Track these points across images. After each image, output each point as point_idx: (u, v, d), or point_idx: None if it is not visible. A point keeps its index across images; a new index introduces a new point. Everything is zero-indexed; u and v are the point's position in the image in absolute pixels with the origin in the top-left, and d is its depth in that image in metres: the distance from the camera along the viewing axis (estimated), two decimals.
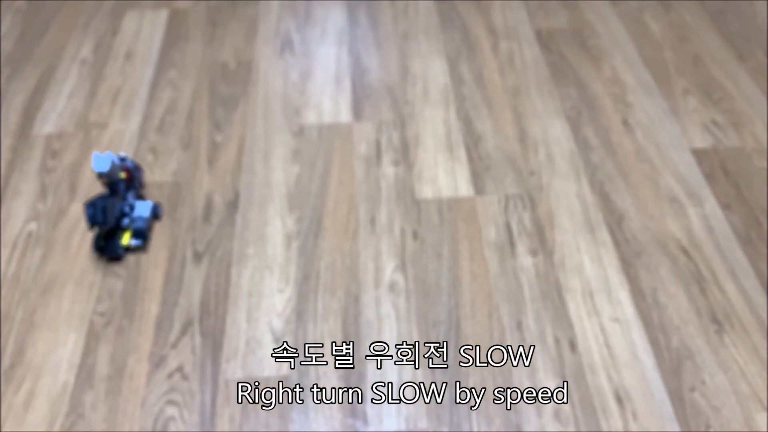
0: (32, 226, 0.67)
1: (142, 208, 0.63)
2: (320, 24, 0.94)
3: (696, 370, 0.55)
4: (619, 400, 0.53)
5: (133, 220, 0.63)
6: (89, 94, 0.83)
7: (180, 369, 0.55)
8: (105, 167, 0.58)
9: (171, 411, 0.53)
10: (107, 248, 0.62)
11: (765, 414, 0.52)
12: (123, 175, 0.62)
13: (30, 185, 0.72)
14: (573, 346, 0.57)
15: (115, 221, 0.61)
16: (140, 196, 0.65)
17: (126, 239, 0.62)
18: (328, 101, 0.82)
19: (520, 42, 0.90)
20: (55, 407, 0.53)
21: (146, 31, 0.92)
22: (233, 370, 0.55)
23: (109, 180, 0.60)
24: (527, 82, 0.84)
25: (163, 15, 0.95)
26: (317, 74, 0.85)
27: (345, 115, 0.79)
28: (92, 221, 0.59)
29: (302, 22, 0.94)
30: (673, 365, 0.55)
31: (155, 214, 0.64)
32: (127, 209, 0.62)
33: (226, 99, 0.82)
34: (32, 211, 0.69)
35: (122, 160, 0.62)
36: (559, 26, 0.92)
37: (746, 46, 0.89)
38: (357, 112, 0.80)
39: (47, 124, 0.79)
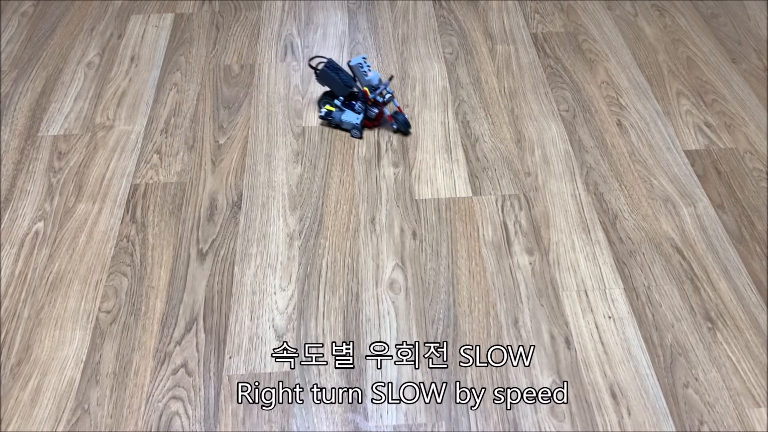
0: (39, 225, 0.68)
1: (350, 115, 0.74)
2: (321, 28, 0.95)
3: (689, 366, 0.56)
4: (614, 396, 0.54)
5: (340, 110, 0.74)
6: (95, 96, 0.84)
7: (184, 365, 0.56)
8: (354, 61, 0.71)
9: (176, 406, 0.54)
10: (321, 97, 0.78)
11: (757, 410, 0.53)
12: (365, 89, 0.73)
13: (37, 186, 0.73)
14: (568, 342, 0.58)
15: (328, 93, 0.76)
16: (368, 118, 0.74)
17: (327, 107, 0.75)
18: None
19: (517, 46, 0.91)
20: (61, 403, 0.54)
21: (151, 34, 0.94)
22: (236, 367, 0.56)
23: (353, 73, 0.73)
24: (523, 84, 0.85)
25: (167, 19, 0.97)
26: None
27: None
28: (316, 68, 0.74)
29: (304, 26, 0.96)
30: (667, 362, 0.56)
31: (352, 130, 0.74)
32: (341, 100, 0.75)
33: (230, 101, 0.84)
34: (39, 211, 0.70)
35: (388, 95, 0.73)
36: (554, 30, 0.94)
37: (739, 48, 0.91)
38: None
39: (54, 125, 0.81)
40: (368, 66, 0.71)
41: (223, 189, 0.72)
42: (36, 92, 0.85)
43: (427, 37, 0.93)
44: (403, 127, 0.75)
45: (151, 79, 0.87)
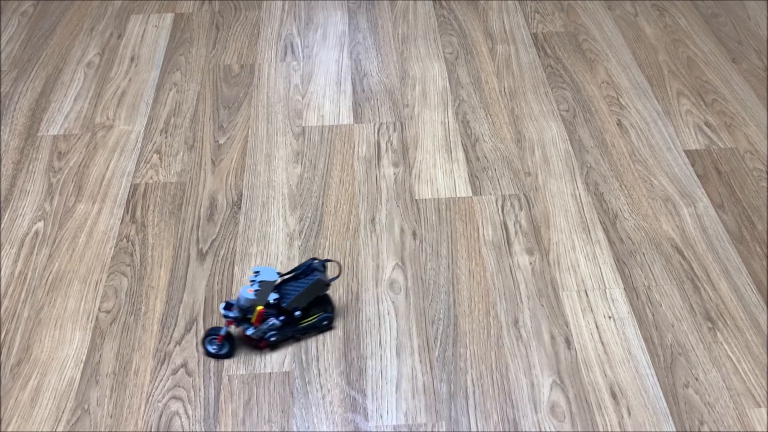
0: (39, 225, 0.68)
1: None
2: (321, 28, 0.95)
3: (690, 366, 0.56)
4: (614, 396, 0.54)
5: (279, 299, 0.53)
6: (95, 96, 0.84)
7: (184, 365, 0.56)
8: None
9: (175, 406, 0.54)
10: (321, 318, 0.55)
11: (757, 410, 0.53)
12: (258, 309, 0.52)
13: (37, 185, 0.73)
14: (568, 342, 0.58)
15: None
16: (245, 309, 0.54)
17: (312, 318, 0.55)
18: (329, 103, 0.83)
19: (517, 45, 0.91)
20: (61, 403, 0.54)
21: (151, 34, 0.94)
22: (236, 367, 0.56)
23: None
24: (524, 84, 0.85)
25: (167, 19, 0.97)
26: (318, 77, 0.87)
27: (346, 117, 0.81)
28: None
29: (304, 26, 0.96)
30: (667, 362, 0.56)
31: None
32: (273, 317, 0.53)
33: (230, 101, 0.84)
34: (39, 211, 0.70)
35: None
36: (555, 30, 0.94)
37: (739, 48, 0.91)
38: (357, 114, 0.81)
39: (53, 125, 0.81)
40: (255, 286, 0.51)
41: (223, 189, 0.72)
42: (36, 92, 0.85)
43: (427, 37, 0.93)
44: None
45: (151, 79, 0.87)
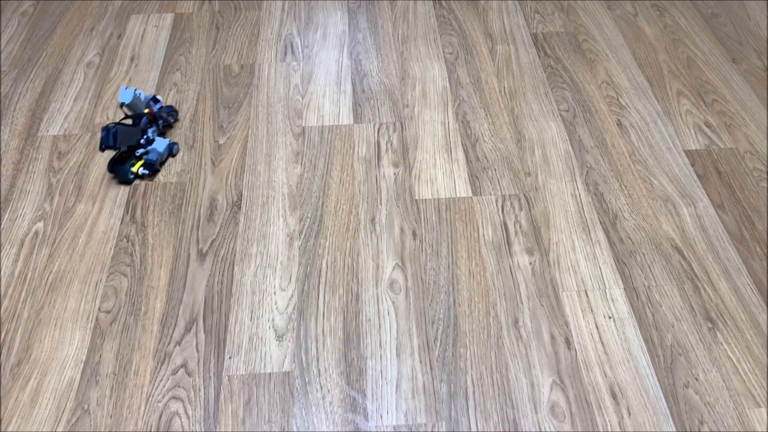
0: (39, 225, 0.68)
1: (160, 144, 0.70)
2: (321, 28, 0.95)
3: (690, 366, 0.56)
4: (614, 396, 0.54)
5: (147, 152, 0.69)
6: (95, 96, 0.84)
7: (184, 365, 0.56)
8: (127, 98, 0.65)
9: (175, 406, 0.54)
10: (118, 171, 0.69)
11: (757, 410, 0.53)
12: (146, 111, 0.68)
13: (37, 186, 0.73)
14: (568, 343, 0.58)
15: (128, 149, 0.67)
16: (162, 134, 0.71)
17: (137, 167, 0.69)
18: (329, 104, 0.83)
19: (517, 46, 0.91)
20: (61, 403, 0.54)
21: (151, 34, 0.94)
22: (236, 367, 0.56)
23: (131, 111, 0.67)
24: (524, 84, 0.85)
25: (167, 19, 0.97)
26: (318, 77, 0.87)
27: (346, 117, 0.81)
28: (103, 144, 0.66)
29: (304, 26, 0.96)
30: (667, 362, 0.56)
31: (171, 151, 0.70)
32: (143, 141, 0.69)
33: (230, 101, 0.84)
34: (39, 211, 0.70)
35: (154, 100, 0.68)
36: (555, 30, 0.94)
37: (739, 48, 0.91)
38: (357, 114, 0.82)
39: (53, 125, 0.81)
40: (132, 90, 0.67)
41: (223, 189, 0.72)
42: (36, 92, 0.85)
43: (427, 37, 0.93)
44: (169, 121, 0.72)
45: (151, 79, 0.87)
